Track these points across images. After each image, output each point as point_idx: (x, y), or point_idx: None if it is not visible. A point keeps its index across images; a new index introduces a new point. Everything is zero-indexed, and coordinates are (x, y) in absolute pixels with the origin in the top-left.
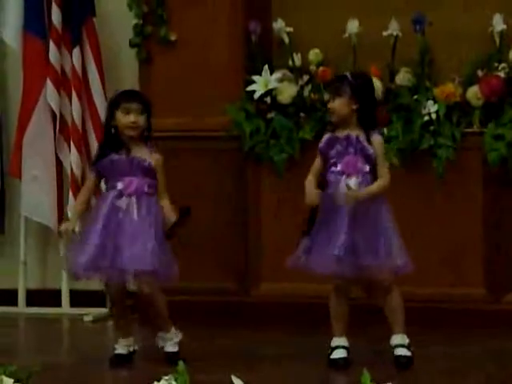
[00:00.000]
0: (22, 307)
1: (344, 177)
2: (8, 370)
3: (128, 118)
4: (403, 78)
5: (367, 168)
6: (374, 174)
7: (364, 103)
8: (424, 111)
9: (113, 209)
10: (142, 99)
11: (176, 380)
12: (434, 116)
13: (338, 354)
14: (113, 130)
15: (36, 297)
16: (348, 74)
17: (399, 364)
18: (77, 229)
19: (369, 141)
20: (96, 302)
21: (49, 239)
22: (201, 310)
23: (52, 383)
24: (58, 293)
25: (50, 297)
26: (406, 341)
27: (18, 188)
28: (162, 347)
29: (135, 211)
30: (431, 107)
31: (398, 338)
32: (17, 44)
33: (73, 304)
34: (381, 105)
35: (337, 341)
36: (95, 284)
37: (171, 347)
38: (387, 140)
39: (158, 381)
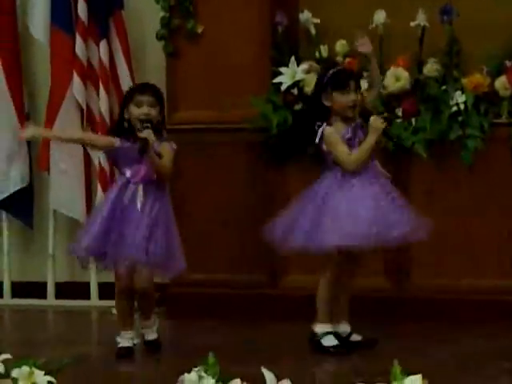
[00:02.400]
0: (50, 300)
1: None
2: (38, 362)
3: (140, 110)
4: (431, 68)
5: None
6: None
7: None
8: (452, 102)
9: (119, 195)
10: (155, 92)
11: (206, 372)
12: (462, 106)
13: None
14: (126, 124)
15: (65, 289)
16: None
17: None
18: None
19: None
20: None
21: (77, 232)
22: (228, 303)
23: (81, 375)
24: (87, 285)
25: (78, 289)
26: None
27: (47, 181)
28: (145, 336)
29: (140, 199)
30: (459, 98)
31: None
32: (44, 38)
33: (101, 296)
34: (409, 96)
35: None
36: None
37: (152, 335)
38: (415, 131)
39: (188, 373)
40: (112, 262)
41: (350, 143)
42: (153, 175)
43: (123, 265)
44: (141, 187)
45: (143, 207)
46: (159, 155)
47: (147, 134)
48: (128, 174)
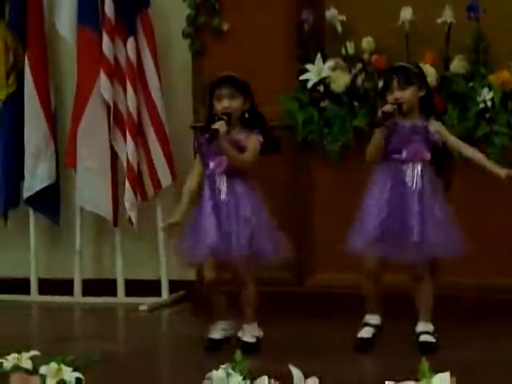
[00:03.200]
0: (77, 297)
1: (410, 164)
2: (66, 359)
3: (221, 105)
4: (458, 65)
5: (429, 156)
6: (434, 163)
7: (427, 91)
8: (479, 99)
9: (211, 189)
10: (235, 83)
11: (234, 369)
12: (489, 103)
13: (364, 333)
14: (216, 118)
15: (91, 286)
16: (405, 63)
17: (423, 349)
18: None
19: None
20: (151, 291)
21: (104, 229)
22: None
23: (109, 372)
24: (114, 282)
25: (105, 286)
26: (431, 327)
27: (73, 179)
28: (240, 337)
29: (224, 190)
30: (486, 94)
31: (424, 326)
32: (71, 36)
33: (128, 293)
34: (436, 92)
35: (368, 318)
36: (150, 273)
37: (248, 338)
38: None
39: (216, 370)
40: (227, 255)
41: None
42: (235, 167)
43: (233, 259)
44: (224, 178)
45: (228, 198)
46: (242, 148)
47: (219, 124)
48: (211, 165)
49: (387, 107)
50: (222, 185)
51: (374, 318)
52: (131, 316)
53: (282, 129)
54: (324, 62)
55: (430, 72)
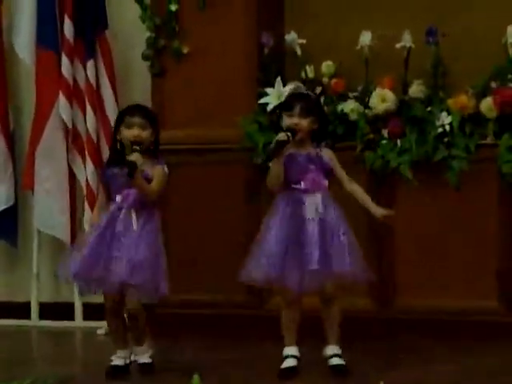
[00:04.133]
0: (35, 320)
1: (309, 194)
2: (23, 383)
3: (131, 132)
4: (416, 89)
5: (327, 183)
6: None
7: (323, 121)
8: (438, 123)
9: (111, 220)
10: (147, 114)
11: None
12: (447, 128)
13: (289, 363)
14: (118, 145)
15: (49, 310)
16: (305, 91)
17: (336, 372)
18: None
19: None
20: None
21: (62, 252)
22: (213, 323)
23: None
24: (71, 306)
25: (63, 310)
26: (340, 351)
27: (31, 201)
28: (136, 360)
29: (132, 224)
30: (445, 119)
31: (333, 349)
32: (29, 57)
33: (86, 317)
34: (394, 116)
35: (288, 350)
36: None
37: (144, 359)
38: (401, 152)
39: None
40: (99, 286)
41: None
42: (143, 199)
43: (111, 287)
44: (133, 211)
45: (132, 231)
46: (149, 179)
47: (135, 157)
48: (118, 199)
49: (281, 135)
50: (132, 218)
51: (293, 351)
52: (89, 340)
53: (242, 151)
54: (284, 85)
55: (389, 96)
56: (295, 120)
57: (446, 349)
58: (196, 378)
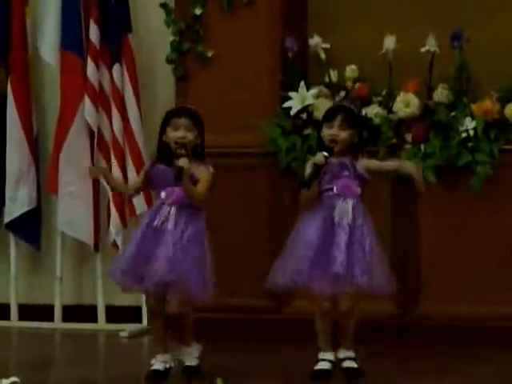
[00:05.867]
0: (58, 323)
1: (341, 198)
2: None
3: (176, 134)
4: (441, 94)
5: (359, 191)
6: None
7: (360, 139)
8: (462, 128)
9: (154, 218)
10: (193, 116)
11: None
12: (471, 133)
13: (323, 365)
14: (164, 147)
15: (72, 312)
16: (348, 105)
17: (348, 375)
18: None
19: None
20: (132, 317)
21: (85, 255)
22: (233, 327)
23: None
24: (94, 308)
25: (85, 312)
26: (353, 354)
27: (55, 204)
28: (183, 360)
29: (172, 221)
30: (469, 124)
31: (346, 352)
32: (54, 61)
33: (109, 320)
34: (418, 121)
35: (323, 355)
36: (131, 299)
37: (189, 361)
38: (424, 157)
39: None
40: (146, 285)
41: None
42: (185, 199)
43: (153, 286)
44: (174, 209)
45: (174, 229)
46: (196, 182)
47: (183, 162)
48: (163, 195)
49: (318, 158)
50: (170, 215)
51: (328, 355)
52: (111, 342)
53: (265, 156)
54: (307, 89)
55: (413, 101)
56: (334, 131)
57: (470, 355)
58: (219, 380)
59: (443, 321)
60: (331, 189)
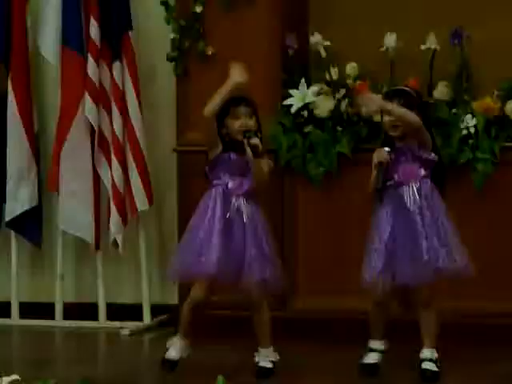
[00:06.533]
0: (59, 320)
1: (405, 186)
2: (47, 383)
3: (240, 122)
4: (441, 91)
5: (422, 172)
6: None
7: (425, 117)
8: (462, 125)
9: (224, 210)
10: (249, 102)
11: None
12: (472, 130)
13: (370, 358)
14: (227, 139)
15: (73, 310)
16: (401, 88)
17: (424, 378)
18: None
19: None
20: (133, 315)
21: (86, 253)
22: (237, 324)
23: None
24: (95, 306)
25: (86, 310)
26: (435, 355)
27: (56, 202)
28: (257, 362)
29: (247, 213)
30: (470, 121)
31: (427, 353)
32: (55, 59)
33: (109, 317)
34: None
35: (373, 343)
36: (132, 297)
37: (266, 362)
38: None
39: None
40: (247, 281)
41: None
42: (254, 188)
43: (242, 283)
44: (244, 200)
45: (249, 221)
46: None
47: (256, 140)
48: (231, 185)
49: (382, 155)
50: (243, 207)
51: (378, 344)
52: (112, 340)
53: (266, 153)
54: (308, 87)
55: None
56: (392, 117)
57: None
58: (220, 379)
59: (448, 319)
60: (392, 177)
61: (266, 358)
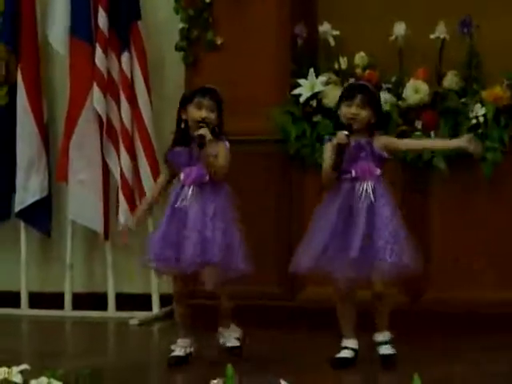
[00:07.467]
0: (68, 310)
1: (359, 183)
2: (56, 373)
3: (199, 113)
4: (451, 81)
5: (378, 171)
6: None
7: (379, 118)
8: (472, 114)
9: (176, 200)
10: (216, 96)
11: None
12: (481, 119)
13: (345, 353)
14: (183, 125)
15: (82, 300)
16: (364, 83)
17: (385, 362)
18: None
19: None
20: (142, 305)
21: (95, 243)
22: (245, 314)
23: None
24: (104, 296)
25: (96, 300)
26: (389, 336)
27: (65, 192)
28: (224, 343)
29: (193, 201)
30: (479, 110)
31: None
32: (63, 48)
33: (119, 307)
34: (428, 108)
35: (346, 342)
36: (141, 287)
37: (232, 342)
38: None
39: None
40: (177, 267)
41: None
42: (205, 177)
43: (188, 268)
44: (191, 189)
45: (197, 208)
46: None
47: (204, 131)
48: (182, 176)
49: (341, 137)
50: (189, 195)
51: (351, 343)
52: (121, 330)
53: (275, 143)
54: (317, 76)
55: (423, 88)
56: (353, 110)
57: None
58: (229, 367)
59: (450, 308)
60: (349, 172)
61: (230, 337)
